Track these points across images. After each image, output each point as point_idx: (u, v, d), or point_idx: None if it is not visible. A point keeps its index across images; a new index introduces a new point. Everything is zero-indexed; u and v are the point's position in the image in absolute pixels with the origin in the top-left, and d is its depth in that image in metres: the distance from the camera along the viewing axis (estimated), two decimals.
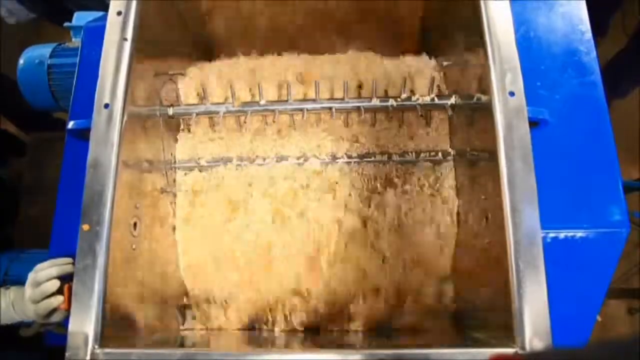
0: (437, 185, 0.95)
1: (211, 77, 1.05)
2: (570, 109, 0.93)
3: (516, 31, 0.75)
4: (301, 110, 0.95)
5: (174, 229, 0.96)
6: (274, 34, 1.09)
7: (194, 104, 0.99)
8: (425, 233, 0.93)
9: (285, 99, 0.96)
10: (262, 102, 0.95)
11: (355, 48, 1.09)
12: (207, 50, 1.13)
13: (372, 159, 0.97)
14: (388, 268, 0.92)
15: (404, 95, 0.93)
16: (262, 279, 0.93)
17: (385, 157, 0.97)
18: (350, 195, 0.95)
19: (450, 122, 0.97)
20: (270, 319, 0.94)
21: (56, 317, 0.81)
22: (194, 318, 0.96)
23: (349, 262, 0.93)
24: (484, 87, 0.75)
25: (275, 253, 0.93)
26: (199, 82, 1.02)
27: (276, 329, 0.93)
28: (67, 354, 0.66)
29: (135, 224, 0.82)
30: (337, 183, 0.97)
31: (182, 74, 1.02)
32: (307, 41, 1.10)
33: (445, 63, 0.97)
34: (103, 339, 0.67)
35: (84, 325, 0.67)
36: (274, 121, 0.98)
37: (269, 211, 0.95)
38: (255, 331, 0.94)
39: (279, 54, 1.10)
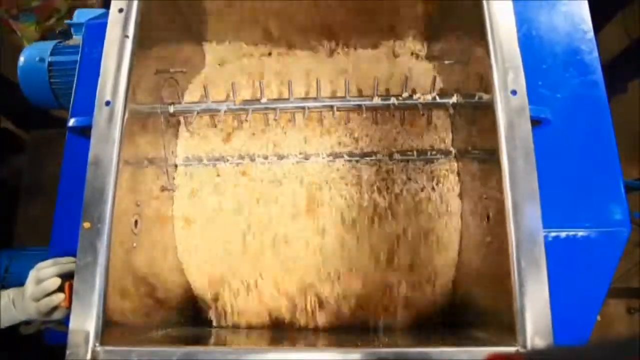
0: (439, 184, 0.95)
1: (213, 75, 1.05)
2: (572, 108, 0.93)
3: (518, 30, 0.75)
4: (302, 108, 0.95)
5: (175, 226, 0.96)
6: (278, 33, 1.08)
7: (195, 102, 0.98)
8: (427, 232, 0.93)
9: (287, 97, 0.96)
10: (264, 100, 0.95)
11: (356, 47, 1.10)
12: (209, 48, 1.13)
13: (374, 157, 0.97)
14: (388, 266, 0.92)
15: (405, 94, 0.93)
16: (263, 276, 0.93)
17: (386, 157, 0.97)
18: (350, 193, 0.95)
19: (451, 121, 0.97)
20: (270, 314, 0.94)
21: (57, 315, 0.81)
22: (199, 316, 0.96)
23: (348, 260, 0.93)
24: (486, 85, 0.75)
25: (277, 250, 0.93)
26: (202, 81, 1.02)
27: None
28: (67, 352, 0.65)
29: (136, 222, 0.81)
30: (337, 181, 0.96)
31: (184, 72, 1.02)
32: (309, 40, 1.09)
33: (447, 62, 0.97)
34: (104, 337, 0.67)
35: (85, 323, 0.67)
36: (275, 119, 0.98)
37: (271, 209, 0.95)
38: (249, 330, 0.94)
39: (282, 53, 1.10)
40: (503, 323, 0.68)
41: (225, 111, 0.96)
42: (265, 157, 0.98)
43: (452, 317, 0.92)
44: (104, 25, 0.80)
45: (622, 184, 0.89)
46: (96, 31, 1.06)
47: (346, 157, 0.97)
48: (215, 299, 0.95)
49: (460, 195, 0.93)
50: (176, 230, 0.96)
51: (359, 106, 0.94)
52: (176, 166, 0.99)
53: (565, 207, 0.87)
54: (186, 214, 0.96)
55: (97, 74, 0.77)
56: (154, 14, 0.86)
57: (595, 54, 0.95)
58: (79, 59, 1.07)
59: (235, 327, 0.94)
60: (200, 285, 0.95)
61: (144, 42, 0.82)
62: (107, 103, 0.76)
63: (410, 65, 1.05)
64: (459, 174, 0.94)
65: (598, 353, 0.52)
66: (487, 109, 0.75)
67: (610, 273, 0.88)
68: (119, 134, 0.75)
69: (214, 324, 0.95)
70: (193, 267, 0.95)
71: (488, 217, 0.78)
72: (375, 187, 0.96)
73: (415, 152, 0.96)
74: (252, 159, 0.98)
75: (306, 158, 0.97)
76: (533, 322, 0.64)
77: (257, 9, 1.02)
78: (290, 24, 1.06)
